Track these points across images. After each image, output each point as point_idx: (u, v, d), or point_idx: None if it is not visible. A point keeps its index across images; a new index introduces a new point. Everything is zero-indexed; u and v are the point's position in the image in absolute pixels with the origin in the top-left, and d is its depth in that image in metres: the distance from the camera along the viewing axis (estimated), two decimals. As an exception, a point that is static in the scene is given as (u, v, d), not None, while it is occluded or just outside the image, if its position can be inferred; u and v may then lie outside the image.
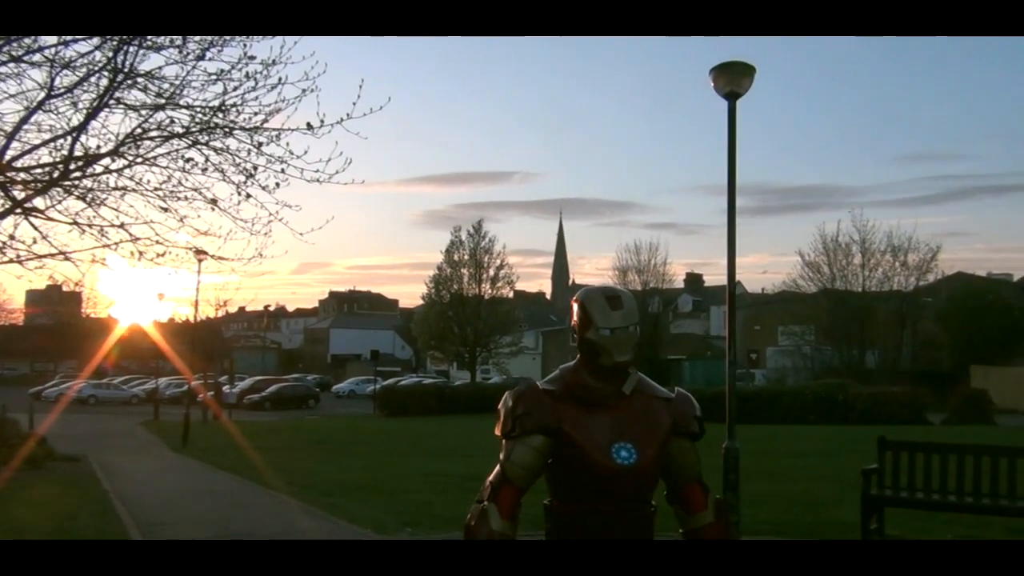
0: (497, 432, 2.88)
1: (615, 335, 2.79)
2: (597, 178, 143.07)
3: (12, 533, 8.87)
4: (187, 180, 8.10)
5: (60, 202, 8.13)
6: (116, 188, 8.07)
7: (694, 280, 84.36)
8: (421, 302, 50.34)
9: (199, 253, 13.12)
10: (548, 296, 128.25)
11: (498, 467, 2.85)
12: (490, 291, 46.64)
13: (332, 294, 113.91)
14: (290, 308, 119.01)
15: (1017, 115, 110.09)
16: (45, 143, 7.70)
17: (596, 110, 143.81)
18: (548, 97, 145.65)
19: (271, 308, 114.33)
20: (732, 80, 8.03)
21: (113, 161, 7.74)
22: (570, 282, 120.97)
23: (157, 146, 7.86)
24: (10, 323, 79.87)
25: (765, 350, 55.23)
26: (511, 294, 50.19)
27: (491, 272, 46.67)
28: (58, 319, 76.10)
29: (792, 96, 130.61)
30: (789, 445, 19.51)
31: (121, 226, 7.95)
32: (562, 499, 2.83)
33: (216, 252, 10.49)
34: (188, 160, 7.99)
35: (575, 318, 2.92)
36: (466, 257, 46.64)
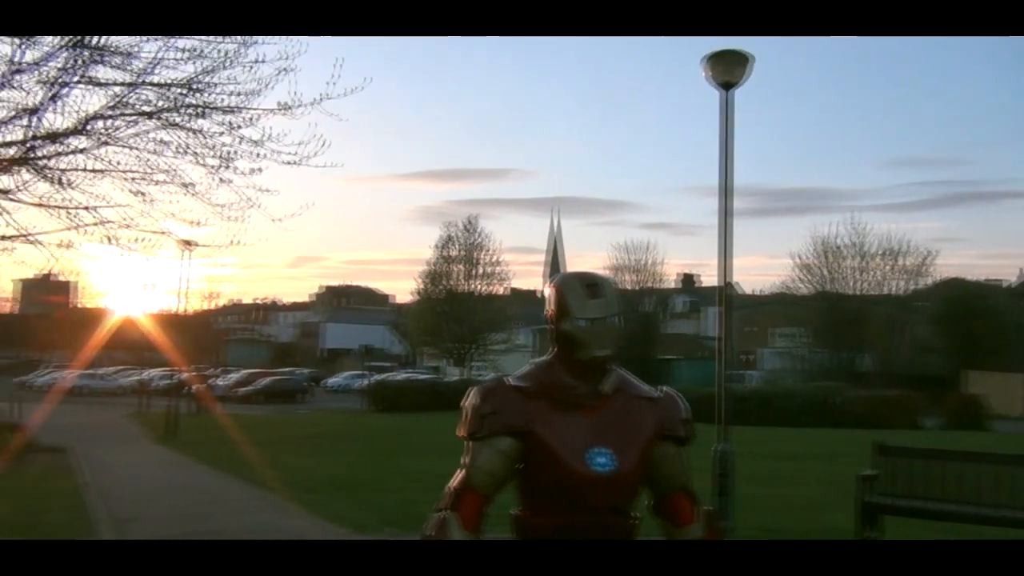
0: (460, 433, 2.56)
1: (593, 326, 2.47)
2: (593, 177, 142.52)
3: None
4: (161, 163, 7.78)
5: (29, 184, 7.79)
6: (88, 170, 7.73)
7: (689, 280, 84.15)
8: (414, 297, 50.06)
9: (186, 244, 12.77)
10: (543, 293, 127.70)
11: (461, 472, 2.52)
12: (483, 287, 46.38)
13: (326, 288, 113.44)
14: (284, 302, 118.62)
15: (1012, 121, 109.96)
16: (8, 120, 7.35)
17: (594, 108, 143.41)
18: (545, 94, 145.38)
19: (264, 302, 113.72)
20: (727, 69, 7.72)
21: (79, 139, 7.39)
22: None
23: (127, 126, 7.51)
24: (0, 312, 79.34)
25: (759, 352, 55.11)
26: (507, 291, 49.93)
27: (484, 268, 46.44)
28: (49, 309, 75.73)
29: (789, 99, 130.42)
30: (783, 447, 19.26)
31: (89, 208, 7.61)
32: (532, 509, 2.51)
33: (189, 238, 10.19)
34: (162, 142, 7.66)
35: (550, 306, 2.60)
36: (459, 253, 46.37)
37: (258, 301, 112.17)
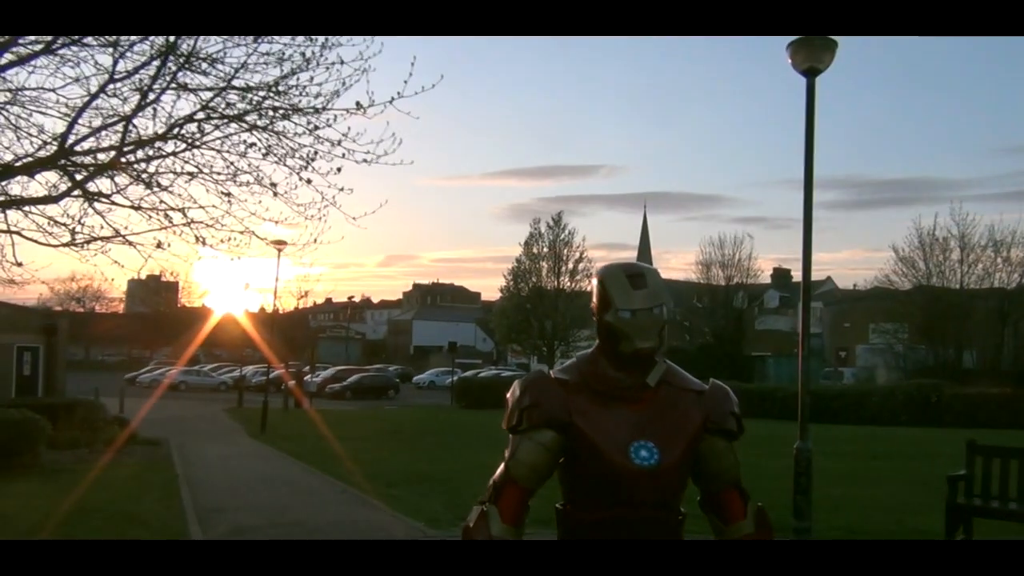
0: (503, 426, 2.56)
1: (636, 318, 2.42)
2: (684, 172, 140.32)
3: (77, 513, 9.02)
4: (245, 165, 8.04)
5: (125, 188, 8.16)
6: (178, 173, 8.05)
7: (782, 275, 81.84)
8: (501, 295, 50.26)
9: (278, 243, 13.21)
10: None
11: (502, 465, 2.52)
12: (569, 284, 46.22)
13: (416, 286, 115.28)
14: (375, 300, 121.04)
15: None
16: (104, 127, 7.71)
17: (686, 102, 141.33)
18: (636, 88, 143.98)
19: (356, 300, 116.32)
20: (811, 55, 7.47)
21: (167, 144, 7.69)
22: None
23: (215, 129, 7.78)
24: (111, 311, 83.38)
25: (855, 348, 53.35)
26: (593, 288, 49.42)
27: (570, 265, 46.27)
28: (156, 308, 79.28)
29: (889, 86, 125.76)
30: (875, 447, 18.58)
31: (179, 210, 7.92)
32: (575, 504, 2.48)
33: (279, 238, 10.50)
34: (252, 145, 7.91)
35: (594, 298, 2.57)
36: (545, 250, 46.32)
37: (350, 299, 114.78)
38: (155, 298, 79.52)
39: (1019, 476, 7.54)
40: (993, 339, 42.42)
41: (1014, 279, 43.68)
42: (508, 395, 2.57)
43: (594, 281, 2.58)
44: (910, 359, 43.62)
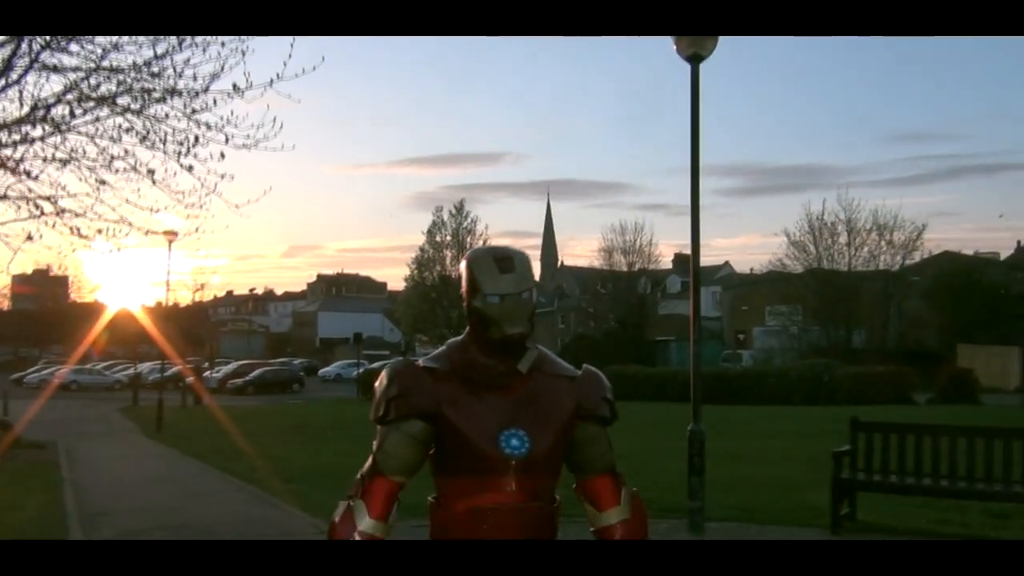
0: (371, 417, 2.46)
1: (505, 303, 2.34)
2: (589, 159, 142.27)
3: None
4: (124, 152, 7.65)
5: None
6: (46, 159, 7.60)
7: (683, 261, 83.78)
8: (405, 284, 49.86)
9: (168, 234, 12.64)
10: (536, 278, 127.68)
11: (370, 457, 2.43)
12: (475, 272, 46.09)
13: (320, 277, 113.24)
14: (279, 291, 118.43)
15: (1008, 94, 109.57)
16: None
17: (590, 89, 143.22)
18: (540, 76, 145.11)
19: (258, 292, 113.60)
20: (694, 42, 7.58)
21: (35, 128, 7.25)
22: (559, 264, 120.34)
23: (84, 113, 7.36)
24: (-7, 308, 79.02)
25: (753, 330, 55.11)
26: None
27: (475, 253, 46.14)
28: (43, 304, 75.48)
29: (784, 73, 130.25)
30: (768, 426, 19.22)
31: (49, 199, 7.49)
32: (447, 495, 2.40)
33: (163, 228, 10.06)
34: (129, 130, 7.52)
35: (463, 284, 2.49)
36: (448, 238, 46.19)
37: (252, 291, 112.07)
38: (42, 293, 75.68)
39: (899, 450, 7.87)
40: (880, 319, 44.52)
41: (897, 261, 45.90)
42: (376, 384, 2.48)
43: (462, 266, 2.50)
44: (804, 340, 45.40)
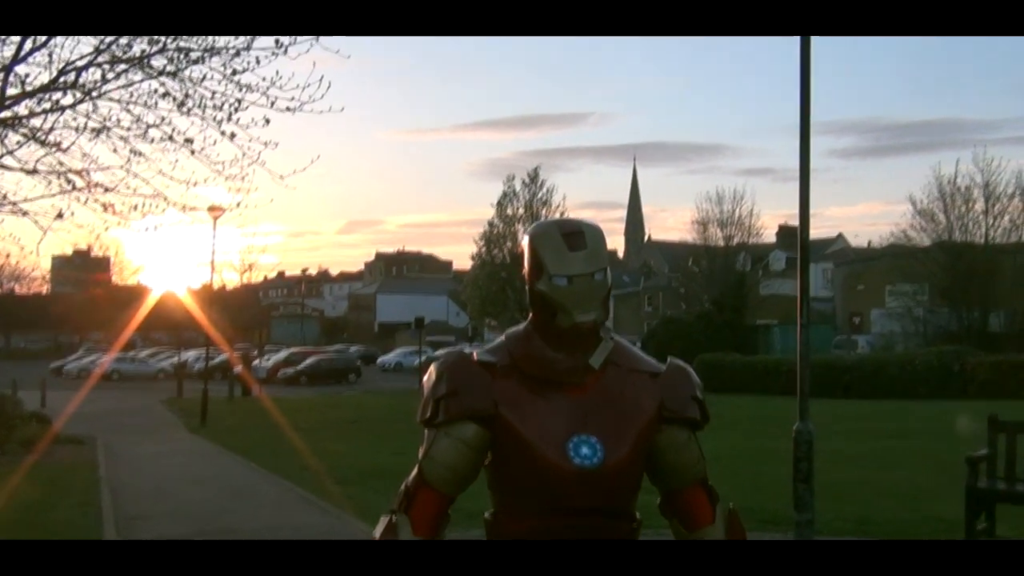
0: (417, 419, 2.37)
1: (574, 285, 2.23)
2: (682, 118, 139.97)
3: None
4: (161, 120, 7.74)
5: (16, 148, 7.84)
6: (76, 128, 7.74)
7: (789, 234, 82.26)
8: (473, 263, 50.05)
9: (214, 210, 12.87)
10: (620, 255, 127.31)
11: (416, 466, 2.34)
12: (551, 248, 46.12)
13: (379, 255, 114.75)
14: (334, 272, 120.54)
15: None
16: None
17: (682, 38, 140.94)
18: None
19: (312, 273, 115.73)
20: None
21: (65, 96, 7.38)
22: (646, 239, 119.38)
23: (117, 76, 7.47)
24: (34, 292, 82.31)
25: (870, 313, 53.69)
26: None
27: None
28: (85, 288, 78.30)
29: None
30: (889, 424, 18.72)
31: (80, 173, 7.64)
32: (505, 512, 2.31)
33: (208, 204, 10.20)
34: (165, 95, 7.60)
35: (525, 264, 2.37)
36: (521, 211, 46.12)
37: (304, 272, 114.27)
38: (84, 277, 78.49)
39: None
40: (1022, 299, 42.82)
41: (1046, 232, 44.08)
42: (423, 381, 2.39)
43: (524, 242, 2.37)
44: (931, 324, 44.01)
